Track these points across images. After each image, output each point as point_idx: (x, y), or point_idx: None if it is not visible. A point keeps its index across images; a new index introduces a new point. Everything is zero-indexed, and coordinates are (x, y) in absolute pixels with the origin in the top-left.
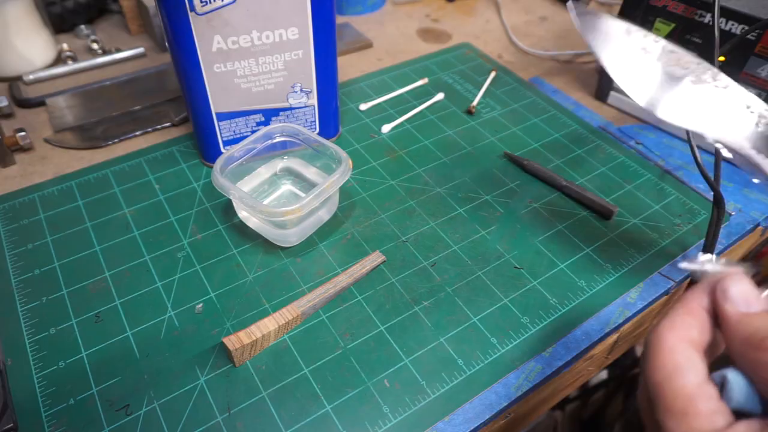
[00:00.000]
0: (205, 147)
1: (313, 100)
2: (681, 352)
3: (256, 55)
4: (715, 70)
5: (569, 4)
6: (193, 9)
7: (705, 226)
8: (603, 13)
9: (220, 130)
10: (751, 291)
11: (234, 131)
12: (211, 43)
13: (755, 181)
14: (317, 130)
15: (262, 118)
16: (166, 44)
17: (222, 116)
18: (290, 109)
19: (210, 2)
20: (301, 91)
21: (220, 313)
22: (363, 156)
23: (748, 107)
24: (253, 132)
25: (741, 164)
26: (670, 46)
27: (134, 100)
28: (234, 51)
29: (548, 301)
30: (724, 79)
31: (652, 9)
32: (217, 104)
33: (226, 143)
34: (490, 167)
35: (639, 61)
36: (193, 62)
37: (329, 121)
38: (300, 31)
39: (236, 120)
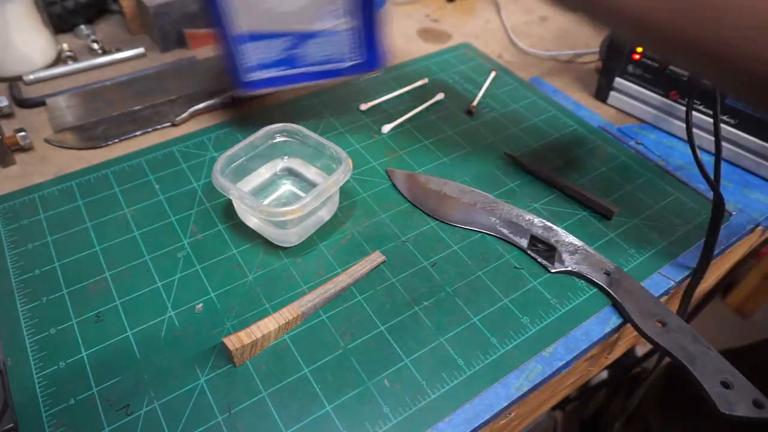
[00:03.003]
0: (232, 72)
1: (352, 24)
2: None
3: None
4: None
5: None
6: None
7: (705, 226)
8: None
9: (245, 53)
10: None
11: (260, 56)
12: None
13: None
14: (359, 58)
15: (291, 42)
16: None
17: (246, 38)
18: (324, 34)
19: None
20: (337, 11)
21: (220, 313)
22: (363, 156)
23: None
24: (280, 61)
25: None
26: None
27: (134, 100)
28: None
29: (548, 301)
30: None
31: None
32: (242, 23)
33: (251, 70)
34: (490, 167)
35: None
36: None
37: (370, 46)
38: None
39: (261, 43)
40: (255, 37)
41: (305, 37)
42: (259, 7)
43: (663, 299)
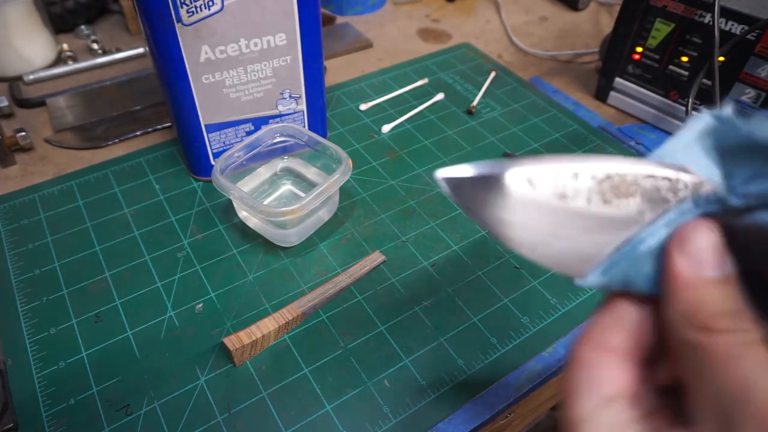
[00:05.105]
0: (194, 160)
1: (302, 106)
2: (585, 368)
3: (244, 64)
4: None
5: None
6: (179, 20)
7: None
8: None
9: (209, 142)
10: (715, 251)
11: (223, 142)
12: (198, 53)
13: None
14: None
15: (252, 127)
16: (151, 58)
17: (211, 128)
18: (279, 116)
19: (197, 12)
20: (290, 97)
21: (220, 313)
22: (363, 156)
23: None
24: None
25: None
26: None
27: (134, 100)
28: (222, 60)
29: (548, 301)
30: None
31: (652, 9)
32: (205, 116)
33: (216, 155)
34: None
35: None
36: (181, 75)
37: (318, 125)
38: (288, 37)
39: (225, 131)
40: (219, 126)
41: (262, 120)
42: (225, 100)
43: None
